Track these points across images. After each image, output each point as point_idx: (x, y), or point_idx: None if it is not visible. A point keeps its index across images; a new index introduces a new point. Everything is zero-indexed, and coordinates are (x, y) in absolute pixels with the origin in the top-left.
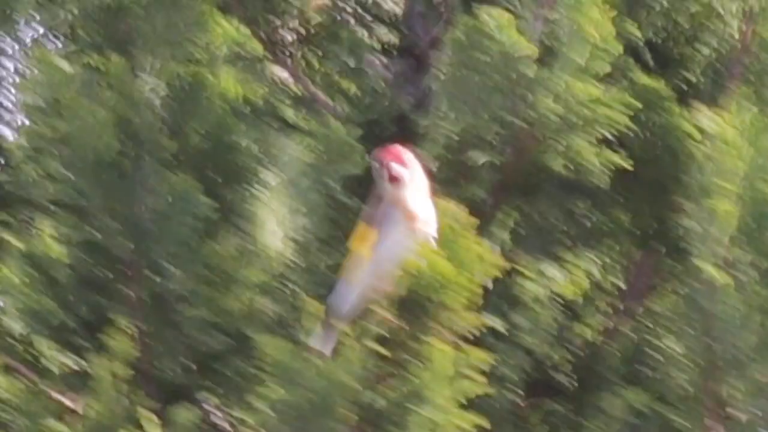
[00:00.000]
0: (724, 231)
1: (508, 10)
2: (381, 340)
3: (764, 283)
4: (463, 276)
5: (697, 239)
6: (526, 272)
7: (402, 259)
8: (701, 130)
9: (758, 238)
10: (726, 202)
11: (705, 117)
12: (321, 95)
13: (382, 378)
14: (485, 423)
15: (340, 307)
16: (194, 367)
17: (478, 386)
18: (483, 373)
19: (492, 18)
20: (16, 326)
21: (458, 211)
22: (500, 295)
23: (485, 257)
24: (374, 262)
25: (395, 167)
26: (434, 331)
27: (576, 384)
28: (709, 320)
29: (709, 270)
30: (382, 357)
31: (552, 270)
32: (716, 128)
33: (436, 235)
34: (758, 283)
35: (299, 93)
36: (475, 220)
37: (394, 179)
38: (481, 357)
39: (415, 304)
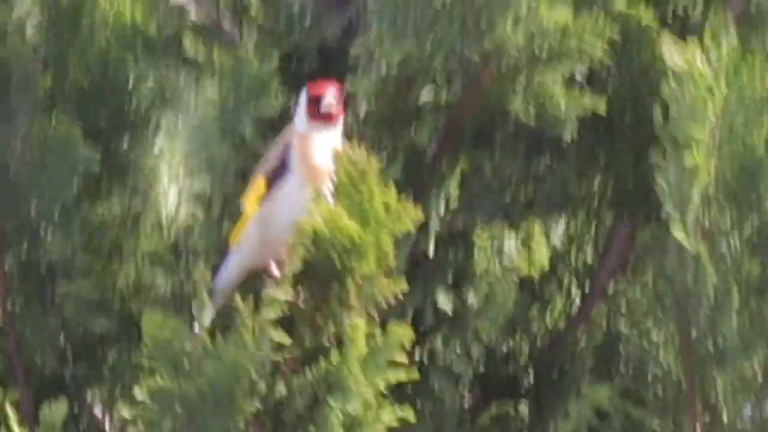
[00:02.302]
0: (696, 190)
1: None
2: (285, 319)
3: (748, 253)
4: (369, 234)
5: (669, 201)
6: (477, 239)
7: (295, 217)
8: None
9: (740, 197)
10: (698, 154)
11: (673, 51)
12: (227, 23)
13: (284, 363)
14: (411, 416)
15: (220, 279)
16: (71, 353)
17: (407, 373)
18: (422, 362)
19: None
20: None
21: (358, 153)
22: (444, 267)
23: (395, 208)
24: (260, 219)
25: (329, 102)
26: (347, 305)
27: (534, 378)
28: (685, 301)
29: (680, 237)
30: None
31: (508, 238)
32: (687, 65)
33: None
34: (741, 253)
35: (200, 20)
36: (378, 164)
37: (323, 117)
38: (406, 335)
39: (315, 272)
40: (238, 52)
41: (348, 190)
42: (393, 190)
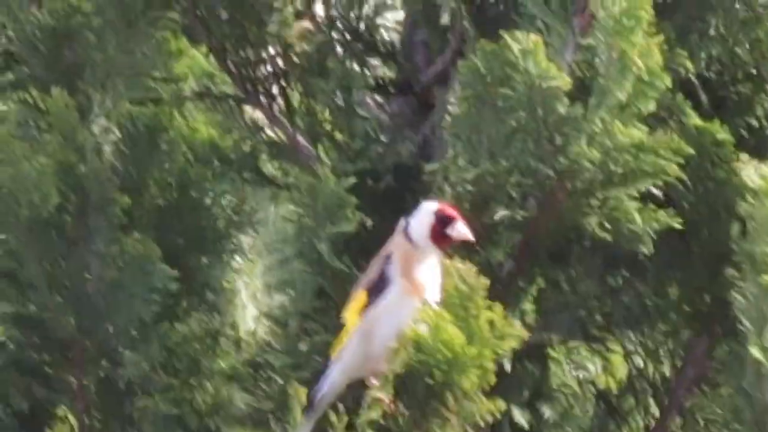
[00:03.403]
0: None
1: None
2: (378, 430)
3: None
4: (473, 347)
5: (747, 319)
6: (554, 355)
7: (398, 328)
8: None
9: None
10: None
11: (750, 168)
12: (303, 141)
13: None
14: None
15: (318, 388)
16: None
17: None
18: None
19: (517, 42)
20: None
21: (467, 270)
22: (521, 382)
23: (500, 325)
24: (362, 330)
25: (462, 228)
26: (441, 419)
27: None
28: (764, 415)
29: (757, 355)
30: None
31: (585, 353)
32: (762, 182)
33: (438, 301)
34: None
35: (277, 138)
36: (486, 282)
37: (445, 239)
38: None
39: (416, 385)
40: (315, 170)
41: (455, 303)
42: (500, 309)
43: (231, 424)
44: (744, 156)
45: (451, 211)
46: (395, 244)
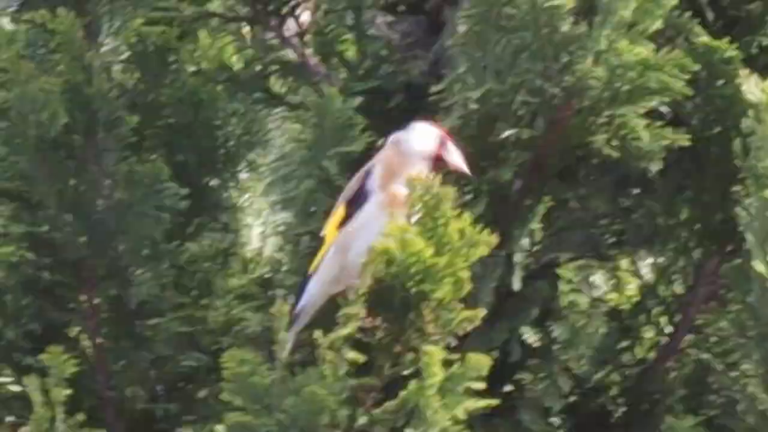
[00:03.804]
0: None
1: None
2: (362, 347)
3: None
4: (443, 258)
5: (751, 234)
6: (564, 274)
7: (371, 241)
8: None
9: None
10: None
11: (752, 84)
12: (313, 61)
13: (363, 393)
14: None
15: (300, 307)
16: (161, 390)
17: (486, 401)
18: (510, 395)
19: None
20: None
21: (432, 179)
22: (530, 301)
23: (470, 233)
24: (338, 245)
25: (454, 153)
26: (424, 333)
27: (625, 410)
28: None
29: (760, 268)
30: (366, 368)
31: (596, 272)
32: (762, 96)
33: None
34: None
35: (288, 58)
36: (453, 191)
37: (440, 163)
38: (484, 363)
39: (390, 298)
40: (324, 89)
41: (423, 215)
42: (468, 216)
43: (243, 342)
44: (744, 71)
45: (451, 139)
46: (380, 158)
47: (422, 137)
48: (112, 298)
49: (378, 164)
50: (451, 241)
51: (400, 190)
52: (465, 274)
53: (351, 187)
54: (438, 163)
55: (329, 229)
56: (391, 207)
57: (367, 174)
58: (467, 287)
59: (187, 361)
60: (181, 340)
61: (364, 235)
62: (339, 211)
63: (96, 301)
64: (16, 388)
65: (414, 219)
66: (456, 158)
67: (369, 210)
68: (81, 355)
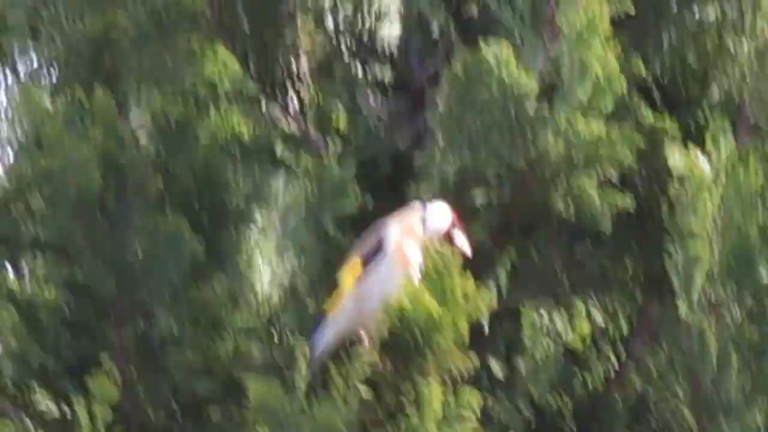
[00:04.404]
0: (698, 274)
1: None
2: (369, 382)
3: (748, 321)
4: (449, 313)
5: (677, 282)
6: (527, 316)
7: (386, 296)
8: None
9: (738, 276)
10: (698, 243)
11: (678, 155)
12: (313, 133)
13: (372, 421)
14: None
15: (317, 343)
16: (180, 412)
17: (473, 429)
18: (482, 418)
19: (492, 52)
20: (7, 369)
21: (443, 247)
22: (500, 340)
23: (472, 294)
24: (356, 296)
25: (461, 238)
26: (426, 372)
27: None
28: (694, 365)
29: (686, 313)
30: (374, 400)
31: (554, 314)
32: (687, 167)
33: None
34: (742, 322)
35: (291, 131)
36: (460, 257)
37: (447, 239)
38: (472, 398)
39: (400, 344)
40: (322, 159)
41: (434, 276)
42: (471, 281)
43: (252, 374)
44: (673, 144)
45: (460, 221)
46: (400, 220)
47: (440, 215)
48: (138, 334)
49: (395, 226)
50: (455, 299)
51: (411, 251)
52: (465, 328)
53: (368, 242)
54: (445, 239)
55: (345, 278)
56: (404, 267)
57: (385, 233)
58: (465, 338)
59: (200, 387)
60: (196, 371)
61: (380, 289)
62: (355, 263)
63: (125, 337)
64: (56, 413)
65: (422, 278)
66: (461, 241)
67: (385, 267)
68: (113, 382)
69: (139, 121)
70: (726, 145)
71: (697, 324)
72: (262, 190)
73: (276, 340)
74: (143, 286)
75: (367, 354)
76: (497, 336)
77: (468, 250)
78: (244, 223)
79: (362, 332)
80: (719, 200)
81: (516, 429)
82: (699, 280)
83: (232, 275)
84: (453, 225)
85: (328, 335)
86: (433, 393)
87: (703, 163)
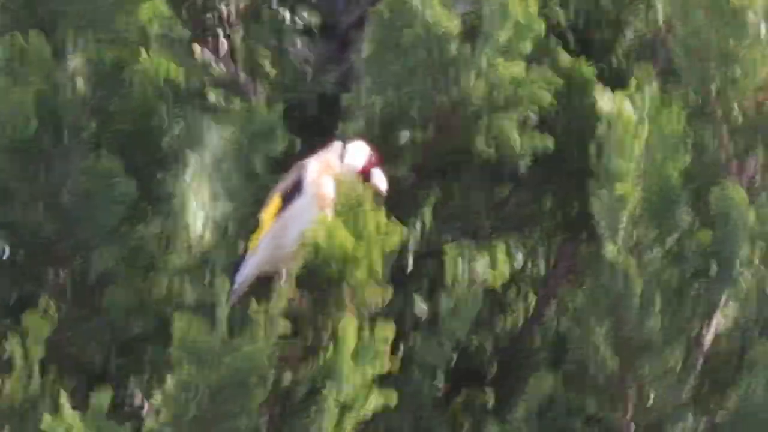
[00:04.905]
0: (624, 214)
1: None
2: (288, 318)
3: (669, 261)
4: (361, 246)
5: (603, 223)
6: (449, 255)
7: (302, 231)
8: (604, 113)
9: (662, 217)
10: (625, 184)
11: (606, 99)
12: (243, 76)
13: (291, 355)
14: (393, 400)
15: (238, 280)
16: (115, 350)
17: (391, 364)
18: (404, 357)
19: None
20: None
21: (356, 182)
22: (420, 278)
23: (385, 228)
24: (273, 232)
25: (378, 176)
26: (342, 307)
27: (497, 370)
28: (617, 304)
29: (611, 253)
30: (293, 335)
31: (474, 253)
32: (613, 108)
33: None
34: (663, 263)
35: (222, 75)
36: (372, 190)
37: (365, 177)
38: (390, 333)
39: (316, 279)
40: (251, 102)
41: (346, 211)
42: (383, 214)
43: (182, 310)
44: (599, 87)
45: (378, 159)
46: (318, 158)
47: (357, 153)
48: (75, 273)
49: (314, 163)
50: (369, 233)
51: (329, 188)
52: (379, 261)
53: (288, 179)
54: (363, 176)
55: (266, 216)
56: (321, 202)
57: (303, 170)
58: (380, 272)
59: (135, 326)
60: (130, 309)
61: (297, 225)
62: (275, 201)
63: (61, 276)
64: None
65: (336, 213)
66: (378, 178)
67: (302, 203)
68: (49, 321)
69: (74, 64)
70: (649, 89)
71: (622, 264)
72: (194, 133)
73: (207, 279)
74: (80, 226)
75: (285, 288)
76: (421, 275)
77: (383, 188)
78: (177, 165)
79: (281, 269)
80: (643, 143)
81: (438, 367)
82: (624, 221)
83: (166, 216)
84: (370, 163)
85: (247, 271)
86: (348, 326)
87: (628, 107)
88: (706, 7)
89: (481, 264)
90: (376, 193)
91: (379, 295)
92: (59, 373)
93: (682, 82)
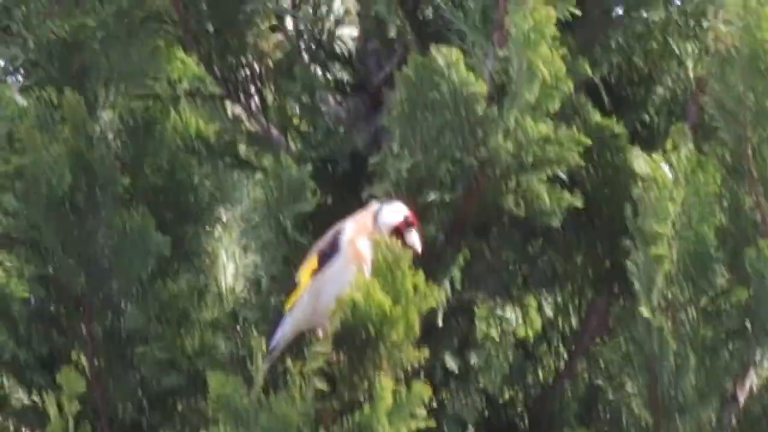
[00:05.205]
0: (662, 275)
1: (460, 48)
2: (327, 377)
3: (703, 321)
4: (399, 307)
5: (639, 283)
6: (480, 311)
7: (339, 291)
8: (639, 173)
9: (697, 276)
10: (660, 246)
11: (639, 158)
12: (274, 132)
13: (329, 415)
14: None
15: (276, 338)
16: (147, 404)
17: (425, 422)
18: (435, 411)
19: (442, 55)
20: None
21: (393, 243)
22: (456, 335)
23: (421, 288)
24: (311, 291)
25: (414, 236)
26: (378, 367)
27: (528, 424)
28: (652, 362)
29: (646, 313)
30: (329, 394)
31: (506, 309)
32: (649, 170)
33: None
34: (697, 322)
35: (253, 130)
36: (410, 252)
37: (399, 236)
38: (423, 391)
39: (353, 338)
40: (282, 156)
41: (384, 272)
42: (422, 276)
43: (214, 366)
44: (636, 149)
45: (415, 220)
46: (355, 219)
47: (394, 212)
48: (106, 328)
49: (350, 224)
50: (407, 294)
51: (365, 249)
52: (416, 322)
53: (325, 240)
54: (399, 236)
55: (303, 276)
56: (357, 262)
57: (340, 231)
58: (416, 332)
59: (167, 380)
60: (162, 363)
61: (334, 285)
62: (312, 261)
63: (93, 330)
64: (27, 403)
65: (374, 273)
66: (413, 238)
67: (339, 263)
68: (81, 375)
69: (107, 120)
70: (685, 149)
71: (656, 323)
72: (225, 188)
73: (239, 335)
74: (111, 281)
75: (322, 347)
76: (452, 331)
77: (419, 248)
78: (207, 220)
79: (318, 328)
80: (679, 204)
81: (470, 421)
82: (659, 280)
83: (197, 271)
84: (407, 223)
85: (285, 330)
86: (385, 386)
87: (664, 167)
88: (743, 66)
89: (512, 319)
90: (413, 253)
91: (415, 356)
92: (93, 427)
93: (717, 140)
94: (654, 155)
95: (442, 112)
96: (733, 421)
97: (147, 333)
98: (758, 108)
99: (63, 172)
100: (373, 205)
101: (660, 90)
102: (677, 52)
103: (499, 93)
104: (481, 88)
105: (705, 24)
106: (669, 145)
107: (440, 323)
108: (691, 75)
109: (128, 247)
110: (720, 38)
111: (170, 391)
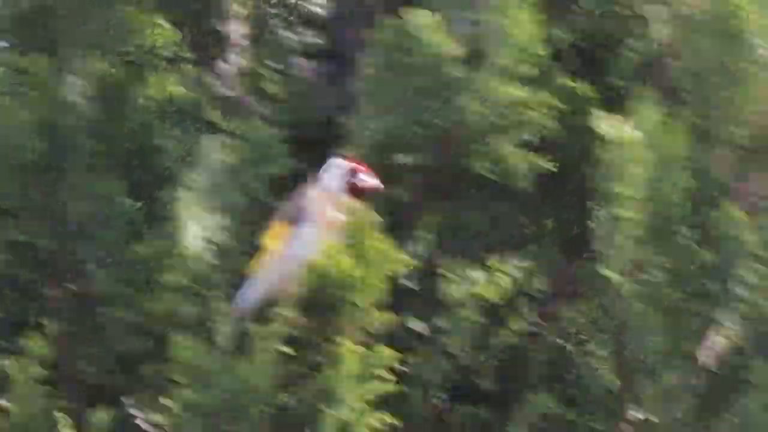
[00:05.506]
0: (628, 237)
1: (432, 11)
2: (291, 341)
3: (673, 284)
4: (369, 274)
5: (604, 246)
6: (449, 274)
7: (309, 257)
8: (605, 136)
9: (665, 241)
10: (628, 209)
11: (606, 122)
12: (246, 97)
13: (292, 378)
14: (397, 422)
15: (243, 303)
16: (114, 368)
17: (389, 385)
18: (400, 374)
19: (418, 19)
20: None
21: (363, 209)
22: (423, 298)
23: (391, 255)
24: (282, 259)
25: (367, 178)
26: (343, 331)
27: (498, 388)
28: (620, 326)
29: (613, 277)
30: (293, 357)
31: (475, 273)
32: (616, 134)
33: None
34: (667, 286)
35: (225, 95)
36: (379, 218)
37: (355, 188)
38: (390, 355)
39: (322, 304)
40: (252, 121)
41: (354, 238)
42: (387, 239)
43: (180, 330)
44: (600, 111)
45: (358, 166)
46: (318, 184)
47: (335, 175)
48: (75, 292)
49: (313, 193)
50: (373, 258)
51: (334, 214)
52: (381, 285)
53: (290, 207)
54: (355, 189)
55: (268, 240)
56: (326, 227)
57: (306, 196)
58: (382, 295)
59: (135, 344)
60: (129, 327)
61: (305, 252)
62: (279, 226)
63: (63, 295)
64: None
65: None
66: (367, 181)
67: (309, 231)
68: (49, 339)
69: (79, 86)
70: (650, 111)
71: (621, 285)
72: (195, 153)
73: (205, 298)
74: (80, 245)
75: (285, 311)
76: (419, 294)
77: (376, 184)
78: (176, 184)
79: (284, 293)
80: (645, 166)
81: (437, 386)
82: (625, 242)
83: (165, 235)
84: (352, 174)
85: (253, 296)
86: (349, 351)
87: (629, 130)
88: (709, 28)
89: (480, 282)
90: (375, 190)
91: (380, 320)
92: (59, 392)
93: (684, 103)
94: (618, 117)
95: (416, 76)
96: (698, 382)
97: (114, 297)
98: (724, 69)
99: (32, 139)
100: (331, 165)
101: (631, 55)
102: (648, 17)
103: (474, 58)
104: (455, 51)
105: None
106: (635, 107)
107: (413, 286)
108: (662, 39)
109: (97, 211)
110: (687, 1)
111: (138, 355)
